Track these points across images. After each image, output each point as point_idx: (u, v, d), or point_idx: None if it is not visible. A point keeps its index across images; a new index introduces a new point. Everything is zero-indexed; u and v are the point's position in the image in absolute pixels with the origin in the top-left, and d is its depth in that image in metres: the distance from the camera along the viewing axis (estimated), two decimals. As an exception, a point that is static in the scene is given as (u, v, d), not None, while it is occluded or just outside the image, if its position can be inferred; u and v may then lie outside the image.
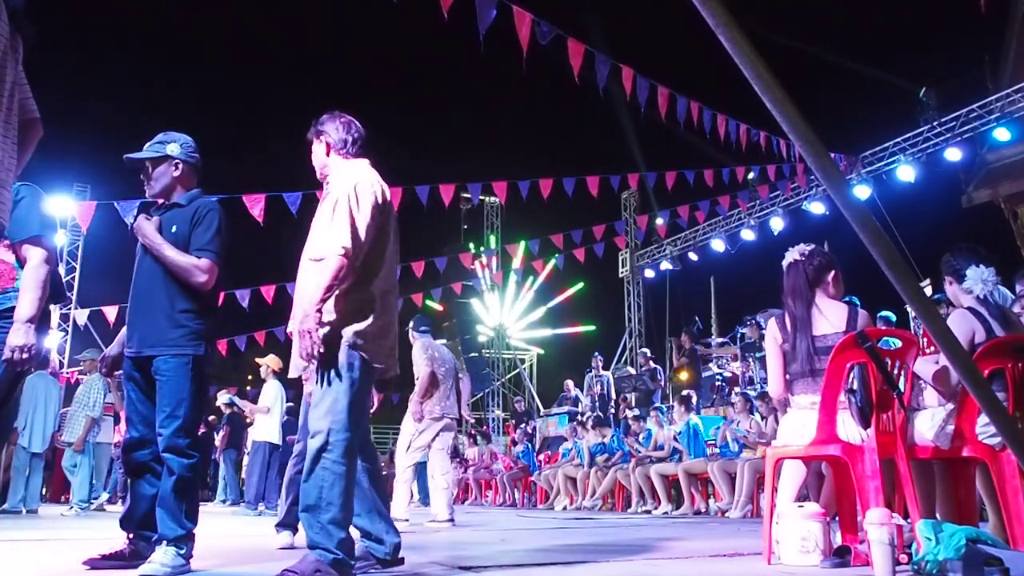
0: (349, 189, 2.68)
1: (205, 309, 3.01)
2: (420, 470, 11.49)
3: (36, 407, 8.39)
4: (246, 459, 9.76)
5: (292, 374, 2.92)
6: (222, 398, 10.31)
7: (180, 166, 3.11)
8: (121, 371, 3.11)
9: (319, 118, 2.95)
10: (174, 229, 3.01)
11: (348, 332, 2.60)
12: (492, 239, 20.51)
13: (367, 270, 2.69)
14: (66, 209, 13.42)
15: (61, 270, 14.59)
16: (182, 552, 2.79)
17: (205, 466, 13.70)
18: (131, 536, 2.97)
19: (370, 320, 2.65)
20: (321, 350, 2.51)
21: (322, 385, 2.58)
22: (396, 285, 2.86)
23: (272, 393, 8.63)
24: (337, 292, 2.60)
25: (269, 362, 8.81)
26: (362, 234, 2.63)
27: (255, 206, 9.14)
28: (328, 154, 2.90)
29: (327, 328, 2.57)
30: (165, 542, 2.78)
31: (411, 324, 6.30)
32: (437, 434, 6.17)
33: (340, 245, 2.56)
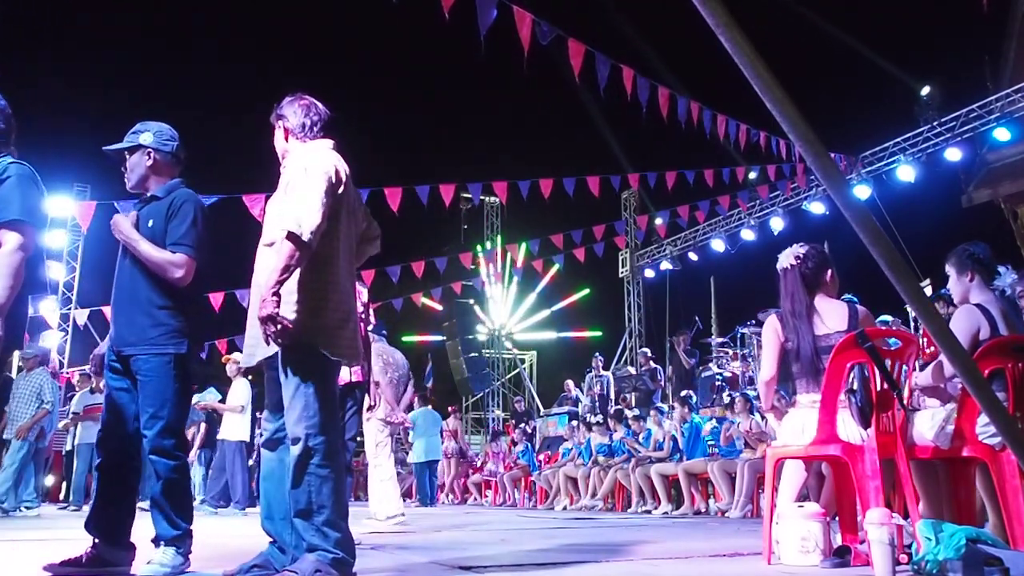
0: (300, 172, 2.58)
1: (187, 305, 2.92)
2: (420, 470, 11.58)
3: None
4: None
5: (245, 363, 2.76)
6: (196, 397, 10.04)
7: (152, 155, 3.00)
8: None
9: (279, 101, 2.86)
10: (150, 224, 2.92)
11: (308, 328, 2.51)
12: (499, 239, 20.49)
13: (320, 257, 2.57)
14: (66, 209, 13.42)
15: (62, 270, 14.59)
16: (181, 551, 2.75)
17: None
18: (96, 540, 2.82)
19: (328, 311, 2.56)
20: (287, 329, 2.44)
21: (289, 388, 2.52)
22: (354, 271, 2.76)
23: (243, 391, 8.56)
24: (294, 284, 2.50)
25: (237, 358, 8.80)
26: (316, 215, 2.49)
27: (255, 206, 9.13)
28: (287, 138, 2.81)
29: (286, 324, 2.46)
30: (163, 543, 2.75)
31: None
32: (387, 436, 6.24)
33: (284, 228, 2.47)
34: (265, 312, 2.41)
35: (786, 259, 3.26)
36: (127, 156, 3.03)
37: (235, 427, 8.55)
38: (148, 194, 3.02)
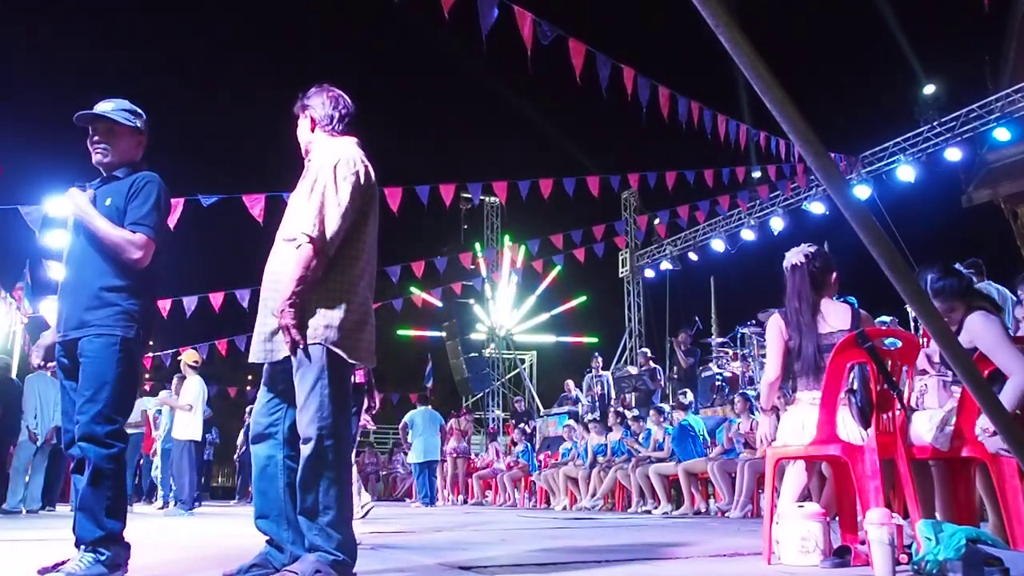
0: (328, 169, 2.53)
1: (140, 289, 2.74)
2: (419, 470, 11.58)
3: (41, 406, 8.41)
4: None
5: (257, 359, 2.63)
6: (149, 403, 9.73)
7: (143, 142, 2.92)
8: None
9: (306, 91, 2.80)
10: (108, 202, 2.78)
11: (324, 328, 2.48)
12: (499, 239, 20.50)
13: (344, 257, 2.55)
14: (66, 209, 13.39)
15: (62, 270, 14.55)
16: (102, 559, 2.49)
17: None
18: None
19: (345, 312, 2.51)
20: (302, 340, 2.42)
21: (304, 388, 2.49)
22: (374, 273, 2.72)
23: (194, 389, 8.49)
24: (310, 282, 2.47)
25: (186, 358, 8.76)
26: (338, 220, 2.47)
27: (255, 206, 9.13)
28: (313, 130, 2.74)
29: (302, 338, 2.45)
30: (83, 546, 2.51)
31: None
32: None
33: (305, 232, 2.43)
34: (284, 322, 2.41)
35: (795, 256, 3.25)
36: (117, 132, 2.86)
37: (185, 426, 8.43)
38: (108, 174, 2.89)
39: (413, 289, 15.57)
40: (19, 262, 13.30)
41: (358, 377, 4.61)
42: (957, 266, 3.35)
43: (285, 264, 2.53)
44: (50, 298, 14.22)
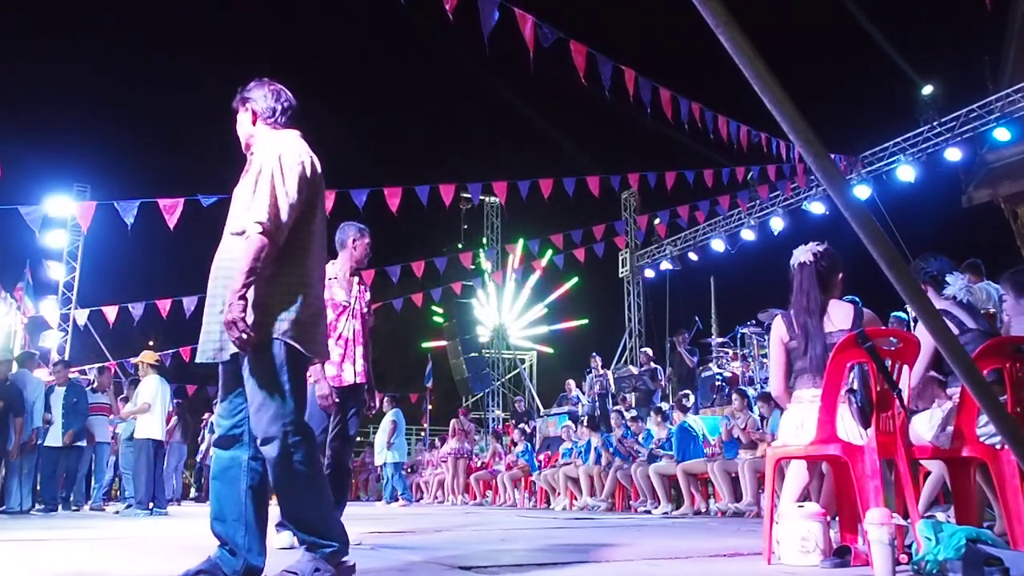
0: (273, 160, 2.48)
1: None
2: (397, 469, 11.64)
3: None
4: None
5: (208, 359, 2.51)
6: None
7: None
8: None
9: (246, 85, 2.75)
10: None
11: (281, 323, 2.42)
12: (499, 239, 20.51)
13: (295, 250, 2.49)
14: (66, 209, 13.41)
15: (62, 270, 14.55)
16: None
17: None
18: None
19: (302, 306, 2.45)
20: (251, 336, 2.31)
21: (261, 385, 2.41)
22: (324, 266, 2.67)
23: (151, 389, 8.38)
24: (265, 276, 2.39)
25: (144, 358, 8.73)
26: (286, 209, 2.42)
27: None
28: (254, 123, 2.69)
29: (257, 318, 2.37)
30: None
31: None
32: None
33: (257, 220, 2.36)
34: (231, 316, 2.30)
35: (803, 254, 3.24)
36: None
37: (145, 425, 8.34)
38: None
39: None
40: (19, 262, 13.31)
41: (359, 377, 4.58)
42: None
43: (234, 258, 2.44)
44: (50, 298, 14.25)
